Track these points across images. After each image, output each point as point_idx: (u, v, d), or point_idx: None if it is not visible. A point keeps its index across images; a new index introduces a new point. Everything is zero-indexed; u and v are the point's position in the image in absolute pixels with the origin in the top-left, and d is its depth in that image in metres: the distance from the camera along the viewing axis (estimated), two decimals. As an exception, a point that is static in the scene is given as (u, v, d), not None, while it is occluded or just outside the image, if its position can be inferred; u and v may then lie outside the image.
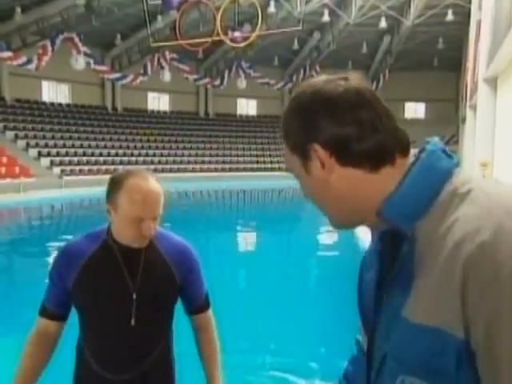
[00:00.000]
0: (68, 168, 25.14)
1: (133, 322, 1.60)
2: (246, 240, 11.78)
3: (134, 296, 1.60)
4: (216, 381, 1.73)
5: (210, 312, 1.80)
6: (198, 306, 1.76)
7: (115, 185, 1.55)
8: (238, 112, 39.48)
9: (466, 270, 0.66)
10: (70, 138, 28.40)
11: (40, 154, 25.76)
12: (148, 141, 31.86)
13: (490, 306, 0.64)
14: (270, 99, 37.89)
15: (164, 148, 31.93)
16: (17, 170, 22.05)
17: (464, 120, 21.11)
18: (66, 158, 26.25)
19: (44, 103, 30.42)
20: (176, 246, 1.71)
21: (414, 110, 41.77)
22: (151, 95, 35.80)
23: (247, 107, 40.01)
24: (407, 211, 0.75)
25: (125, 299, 1.61)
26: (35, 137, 26.98)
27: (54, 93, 31.39)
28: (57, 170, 24.89)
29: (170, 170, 29.37)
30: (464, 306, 0.66)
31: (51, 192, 20.42)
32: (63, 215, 17.65)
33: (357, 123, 0.77)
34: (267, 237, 12.03)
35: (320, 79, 0.83)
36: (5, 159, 22.37)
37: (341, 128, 0.78)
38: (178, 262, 1.68)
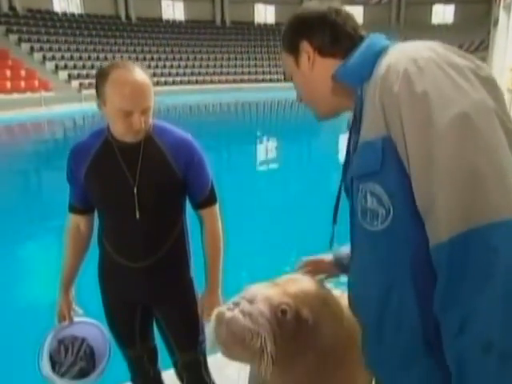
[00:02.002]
0: (86, 81, 24.92)
1: (137, 215, 1.66)
2: (266, 151, 11.86)
3: (135, 191, 1.64)
4: (215, 279, 1.80)
5: (216, 208, 1.81)
6: (201, 199, 1.76)
7: (101, 78, 1.54)
8: (256, 19, 37.77)
9: (379, 88, 0.94)
10: (86, 50, 27.81)
11: (57, 67, 25.47)
12: (164, 52, 31.04)
13: (394, 109, 0.91)
14: (288, 5, 35.96)
15: (181, 59, 31.14)
16: (36, 83, 21.97)
17: (496, 23, 19.85)
18: (84, 71, 25.90)
19: (56, 13, 29.51)
20: (176, 140, 1.69)
21: (443, 14, 39.31)
22: (165, 2, 34.29)
23: (265, 14, 38.17)
24: (354, 74, 1.04)
25: (126, 194, 1.65)
26: (51, 49, 26.50)
27: (64, 1, 30.32)
28: (75, 83, 24.70)
29: (188, 82, 28.88)
30: (383, 112, 0.93)
31: (71, 106, 20.43)
32: (85, 128, 17.83)
33: (333, 27, 1.10)
34: (287, 148, 12.08)
35: (313, 2, 1.14)
36: (23, 72, 22.24)
37: (322, 31, 1.10)
38: (177, 155, 1.67)
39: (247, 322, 1.37)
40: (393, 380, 1.04)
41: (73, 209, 1.84)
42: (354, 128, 1.06)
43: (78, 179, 1.72)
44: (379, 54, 1.00)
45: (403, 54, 0.93)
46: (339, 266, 1.58)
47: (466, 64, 0.90)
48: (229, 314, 1.38)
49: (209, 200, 1.78)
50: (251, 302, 1.44)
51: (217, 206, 1.81)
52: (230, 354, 1.42)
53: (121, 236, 1.73)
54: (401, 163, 0.91)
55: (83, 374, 1.89)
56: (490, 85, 0.89)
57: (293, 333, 1.46)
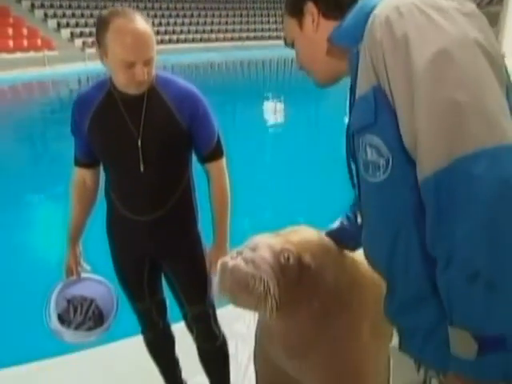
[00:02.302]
0: (89, 40, 24.48)
1: (142, 168, 1.65)
2: (273, 110, 11.75)
3: (139, 143, 1.63)
4: (222, 233, 1.81)
5: (223, 162, 1.79)
6: (208, 152, 1.74)
7: (101, 27, 1.51)
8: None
9: (367, 41, 0.96)
10: (88, 7, 27.19)
11: (59, 25, 25.01)
12: (168, 8, 30.29)
13: (380, 57, 0.94)
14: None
15: (185, 16, 30.40)
16: (39, 42, 21.62)
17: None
18: (87, 29, 25.40)
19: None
20: (180, 91, 1.66)
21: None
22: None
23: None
24: (349, 36, 1.05)
25: (130, 146, 1.64)
26: (52, 6, 25.93)
27: (65, -44, 29.37)
28: (78, 41, 24.27)
29: (193, 40, 28.31)
30: (372, 64, 0.95)
31: (75, 65, 20.16)
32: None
33: None
34: (294, 107, 11.95)
35: None
36: (25, 31, 21.87)
37: None
38: (182, 107, 1.64)
39: (249, 269, 1.41)
40: (408, 324, 1.08)
41: (78, 162, 1.85)
42: (353, 90, 1.07)
43: (82, 131, 1.71)
44: (370, 12, 1.01)
45: (387, 4, 0.96)
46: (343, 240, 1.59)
47: (450, 4, 0.92)
48: (232, 263, 1.42)
49: (215, 153, 1.76)
50: (253, 249, 1.48)
51: (223, 160, 1.80)
52: (236, 301, 1.45)
53: (126, 189, 1.74)
54: (393, 111, 0.93)
55: (90, 331, 1.93)
56: (473, 17, 0.92)
57: (296, 279, 1.48)
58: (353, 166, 1.18)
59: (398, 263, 1.03)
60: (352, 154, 1.17)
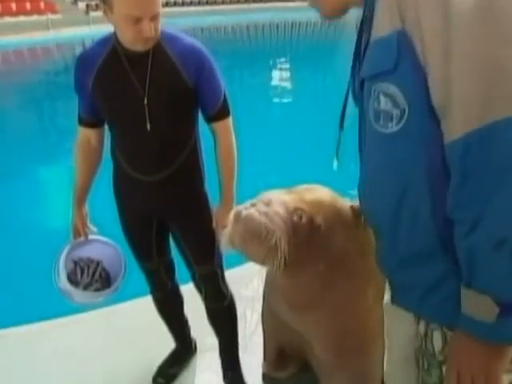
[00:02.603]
0: (93, 3, 23.97)
1: (148, 127, 1.64)
2: (279, 73, 11.59)
3: (145, 101, 1.61)
4: (229, 193, 1.81)
5: (229, 121, 1.78)
6: (214, 111, 1.72)
7: None
8: None
9: None
10: (91, -33, 26.55)
11: (62, -12, 24.50)
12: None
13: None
14: None
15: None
16: (42, 5, 21.24)
17: None
18: (90, -9, 24.91)
19: None
20: (186, 48, 1.64)
21: None
22: None
23: None
24: None
25: (136, 104, 1.62)
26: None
27: None
28: (82, 4, 23.75)
29: (199, 3, 27.68)
30: (398, 4, 0.88)
31: (79, 29, 19.83)
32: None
33: None
34: (301, 70, 11.77)
35: None
36: (27, -7, 21.49)
37: None
38: (187, 63, 1.62)
39: (263, 219, 1.40)
40: (408, 279, 1.06)
41: (82, 121, 1.83)
42: (365, 27, 1.00)
43: (86, 89, 1.69)
44: None
45: None
46: None
47: None
48: (245, 212, 1.41)
49: (222, 112, 1.74)
50: (267, 204, 1.46)
51: (230, 120, 1.78)
52: (246, 251, 1.45)
53: (132, 149, 1.73)
54: (417, 59, 0.87)
55: (98, 292, 1.95)
56: None
57: (306, 239, 1.48)
58: (352, 108, 1.13)
59: (404, 218, 1.01)
60: (354, 97, 1.13)
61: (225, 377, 2.14)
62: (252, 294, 2.62)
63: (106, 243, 2.02)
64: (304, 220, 1.48)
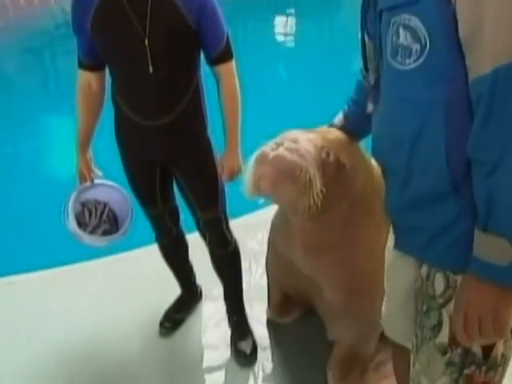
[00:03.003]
0: None
1: (151, 69, 1.61)
2: (285, 18, 11.24)
3: (146, 42, 1.58)
4: (233, 138, 1.78)
5: (232, 64, 1.74)
6: (217, 53, 1.69)
7: None
8: None
9: None
10: None
11: None
12: None
13: None
14: None
15: None
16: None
17: None
18: None
19: None
20: None
21: None
22: None
23: None
24: None
25: (137, 45, 1.59)
26: None
27: None
28: None
29: None
30: None
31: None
32: None
33: None
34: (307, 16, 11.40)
35: None
36: None
37: None
38: (189, 2, 1.58)
39: (295, 157, 1.35)
40: (415, 222, 1.05)
41: (82, 64, 1.79)
42: None
43: (84, 30, 1.64)
44: None
45: None
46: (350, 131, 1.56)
47: None
48: (274, 153, 1.36)
49: (224, 55, 1.71)
50: (295, 141, 1.42)
51: (233, 63, 1.75)
52: (277, 193, 1.41)
53: (135, 93, 1.70)
54: None
55: (107, 235, 1.99)
56: None
57: (332, 177, 1.45)
58: (371, 48, 1.08)
59: (418, 157, 0.99)
60: (367, 34, 1.08)
61: (230, 322, 2.19)
62: (257, 247, 2.64)
63: (112, 187, 2.03)
64: (332, 158, 1.45)
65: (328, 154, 1.44)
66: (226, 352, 2.12)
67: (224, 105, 1.77)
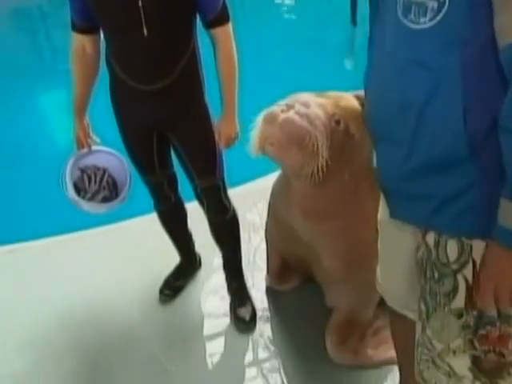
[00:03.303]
0: None
1: (145, 31, 1.58)
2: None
3: (140, 3, 1.54)
4: (230, 102, 1.75)
5: (229, 27, 1.71)
6: (213, 16, 1.66)
7: None
8: None
9: None
10: None
11: None
12: None
13: None
14: None
15: None
16: None
17: None
18: None
19: None
20: None
21: None
22: None
23: None
24: None
25: (131, 7, 1.55)
26: None
27: None
28: None
29: None
30: None
31: None
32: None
33: None
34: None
35: None
36: None
37: None
38: None
39: (305, 123, 1.31)
40: (421, 190, 1.02)
41: (75, 27, 1.75)
42: None
43: None
44: None
45: None
46: None
47: None
48: (284, 115, 1.32)
49: (221, 17, 1.68)
50: (306, 105, 1.37)
51: (230, 25, 1.71)
52: (282, 156, 1.38)
53: (130, 57, 1.66)
54: None
55: (107, 202, 1.98)
56: None
57: (340, 146, 1.42)
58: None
59: (429, 121, 0.95)
60: None
61: (229, 289, 2.20)
62: (257, 219, 2.63)
63: (111, 153, 2.01)
64: (342, 126, 1.41)
65: (338, 122, 1.40)
66: (225, 320, 2.13)
67: (221, 69, 1.73)
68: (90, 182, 1.97)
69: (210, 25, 1.69)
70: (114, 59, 1.71)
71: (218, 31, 1.69)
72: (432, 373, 1.17)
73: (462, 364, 1.10)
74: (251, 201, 2.74)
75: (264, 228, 2.14)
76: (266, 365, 1.91)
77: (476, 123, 0.89)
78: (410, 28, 0.90)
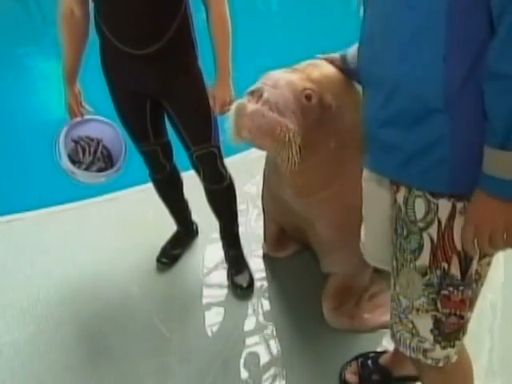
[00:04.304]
0: None
1: None
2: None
3: None
4: (224, 66, 1.70)
5: None
6: None
7: None
8: None
9: None
10: None
11: None
12: None
13: None
14: None
15: None
16: None
17: None
18: None
19: None
20: None
21: None
22: None
23: None
24: None
25: None
26: None
27: None
28: None
29: None
30: None
31: None
32: None
33: None
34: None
35: None
36: None
37: None
38: None
39: (274, 115, 1.33)
40: (395, 139, 1.02)
41: None
42: None
43: None
44: None
45: None
46: (346, 70, 1.50)
47: None
48: (252, 107, 1.34)
49: None
50: (274, 87, 1.38)
51: None
52: (258, 143, 1.41)
53: (119, 20, 1.62)
54: None
55: (102, 172, 1.96)
56: None
57: (317, 119, 1.43)
58: None
59: (410, 65, 0.94)
60: None
61: (226, 256, 2.21)
62: (254, 192, 2.61)
63: (104, 122, 1.98)
64: (314, 100, 1.42)
65: (309, 97, 1.41)
66: (223, 288, 2.15)
67: (214, 32, 1.68)
68: (84, 154, 1.95)
69: None
70: (103, 22, 1.67)
71: None
72: (398, 328, 1.20)
73: (424, 324, 1.13)
74: (248, 172, 2.72)
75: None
76: (265, 331, 1.93)
77: (456, 72, 0.89)
78: None
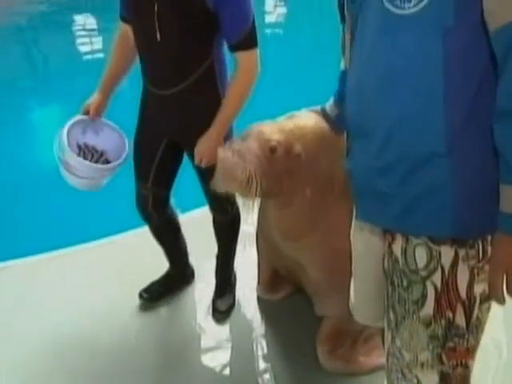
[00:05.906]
0: None
1: (158, 37, 1.61)
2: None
3: (156, 8, 1.58)
4: (217, 125, 1.70)
5: (255, 53, 1.64)
6: (234, 41, 1.61)
7: None
8: None
9: None
10: None
11: None
12: None
13: None
14: None
15: None
16: None
17: None
18: None
19: None
20: None
21: None
22: None
23: None
24: None
25: (148, 10, 1.59)
26: None
27: None
28: None
29: None
30: None
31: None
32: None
33: None
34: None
35: None
36: None
37: None
38: None
39: (235, 159, 1.50)
40: (392, 188, 1.00)
41: (120, 15, 1.85)
42: None
43: None
44: None
45: None
46: (329, 121, 1.55)
47: None
48: (221, 154, 1.53)
49: (246, 42, 1.61)
50: (244, 139, 1.56)
51: (254, 54, 1.64)
52: (226, 187, 1.59)
53: (146, 59, 1.75)
54: None
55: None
56: None
57: (284, 169, 1.54)
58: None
59: (409, 108, 0.92)
60: None
61: (215, 278, 2.25)
62: (251, 230, 2.60)
63: (114, 129, 1.99)
64: (279, 152, 1.53)
65: (273, 150, 1.52)
66: (220, 334, 2.11)
67: (228, 93, 1.70)
68: (85, 159, 1.92)
69: (232, 48, 1.65)
70: (142, 68, 1.80)
71: (240, 55, 1.64)
72: None
73: (430, 380, 1.10)
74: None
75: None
76: (261, 376, 1.91)
77: (457, 116, 0.89)
78: (394, 14, 0.89)
